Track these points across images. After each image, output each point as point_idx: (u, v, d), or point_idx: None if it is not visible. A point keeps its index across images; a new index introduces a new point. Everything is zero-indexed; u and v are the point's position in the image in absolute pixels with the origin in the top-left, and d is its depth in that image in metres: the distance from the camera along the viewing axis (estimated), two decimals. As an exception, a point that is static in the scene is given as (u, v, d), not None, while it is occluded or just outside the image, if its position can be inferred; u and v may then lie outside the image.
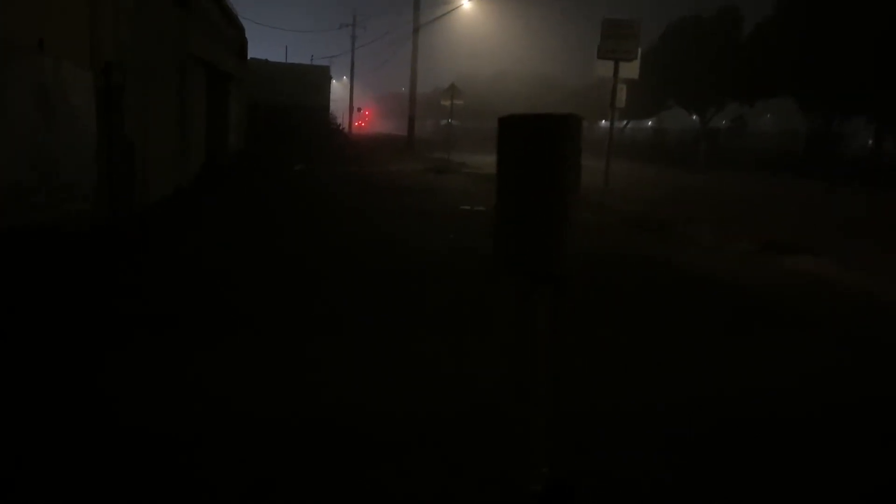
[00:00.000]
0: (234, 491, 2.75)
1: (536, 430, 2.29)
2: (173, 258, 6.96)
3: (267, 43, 52.22)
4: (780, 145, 34.92)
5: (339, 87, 60.76)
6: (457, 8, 34.18)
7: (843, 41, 23.06)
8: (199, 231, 8.61)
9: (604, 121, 34.49)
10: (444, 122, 43.03)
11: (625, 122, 40.96)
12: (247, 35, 22.38)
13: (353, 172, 18.84)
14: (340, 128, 39.66)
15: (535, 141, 2.18)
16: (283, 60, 41.74)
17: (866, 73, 22.87)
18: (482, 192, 13.57)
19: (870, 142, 30.54)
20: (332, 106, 41.59)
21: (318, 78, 33.73)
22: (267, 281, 6.26)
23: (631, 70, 13.39)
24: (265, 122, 26.63)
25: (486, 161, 20.56)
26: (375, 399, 3.67)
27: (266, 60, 31.04)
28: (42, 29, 6.32)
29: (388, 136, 34.16)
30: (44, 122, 6.30)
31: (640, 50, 13.54)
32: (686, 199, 14.62)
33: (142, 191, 8.52)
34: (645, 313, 5.67)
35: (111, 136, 7.26)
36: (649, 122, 48.43)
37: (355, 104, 58.07)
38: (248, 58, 23.60)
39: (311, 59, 49.88)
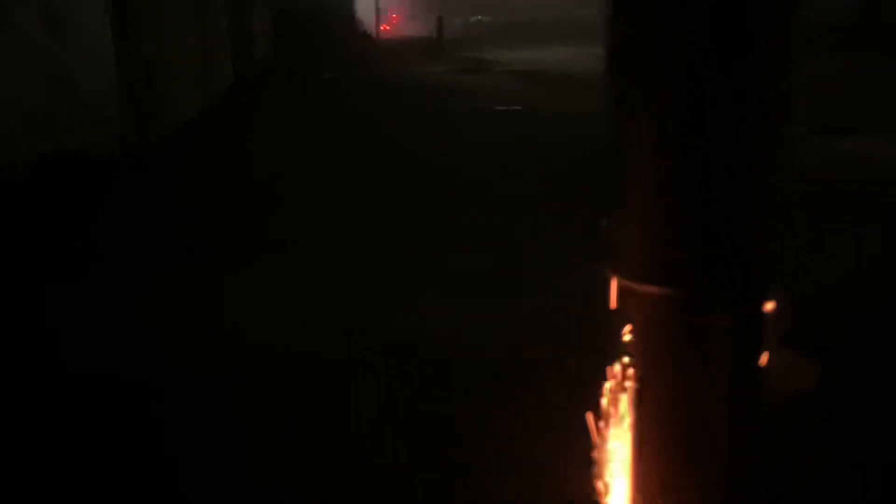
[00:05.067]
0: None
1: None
2: (203, 177, 6.86)
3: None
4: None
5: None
6: None
7: None
8: (230, 149, 8.45)
9: None
10: (473, 18, 41.56)
11: None
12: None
13: (380, 76, 18.36)
14: (367, 33, 38.74)
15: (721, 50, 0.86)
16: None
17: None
18: (516, 91, 13.10)
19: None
20: (359, 11, 40.57)
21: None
22: (305, 195, 6.15)
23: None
24: (290, 32, 25.94)
25: (519, 58, 19.81)
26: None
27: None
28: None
29: (416, 39, 33.34)
30: (56, 45, 6.15)
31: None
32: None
33: (170, 111, 8.34)
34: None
35: (129, 55, 7.04)
36: None
37: (383, 7, 56.40)
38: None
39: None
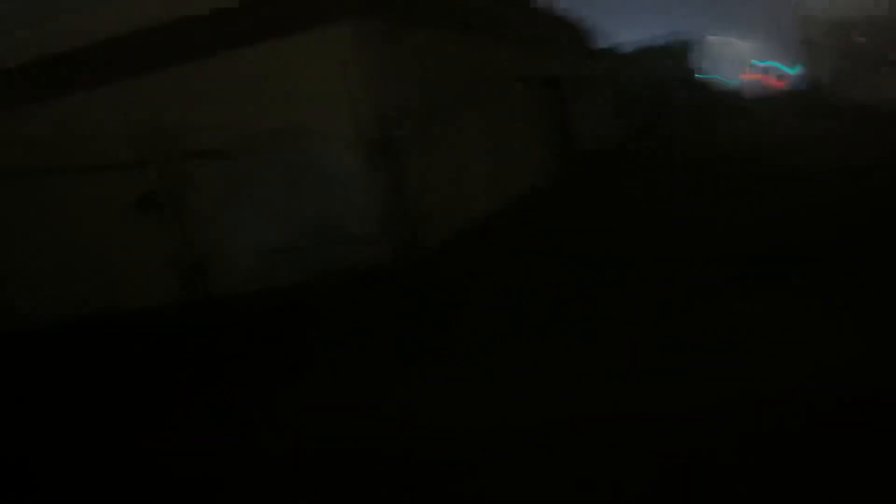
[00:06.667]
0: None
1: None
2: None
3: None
4: None
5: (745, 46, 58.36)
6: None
7: None
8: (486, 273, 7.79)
9: None
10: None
11: None
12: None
13: (714, 140, 16.73)
14: (720, 94, 36.63)
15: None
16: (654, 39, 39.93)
17: None
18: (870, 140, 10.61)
19: None
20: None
21: (677, 53, 34.31)
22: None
23: None
24: (629, 107, 25.49)
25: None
26: None
27: (622, 47, 30.10)
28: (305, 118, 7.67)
29: (790, 91, 30.50)
30: (320, 191, 7.81)
31: None
32: None
33: (428, 231, 8.17)
34: None
35: (385, 188, 7.77)
36: None
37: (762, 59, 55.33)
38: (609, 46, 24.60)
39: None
